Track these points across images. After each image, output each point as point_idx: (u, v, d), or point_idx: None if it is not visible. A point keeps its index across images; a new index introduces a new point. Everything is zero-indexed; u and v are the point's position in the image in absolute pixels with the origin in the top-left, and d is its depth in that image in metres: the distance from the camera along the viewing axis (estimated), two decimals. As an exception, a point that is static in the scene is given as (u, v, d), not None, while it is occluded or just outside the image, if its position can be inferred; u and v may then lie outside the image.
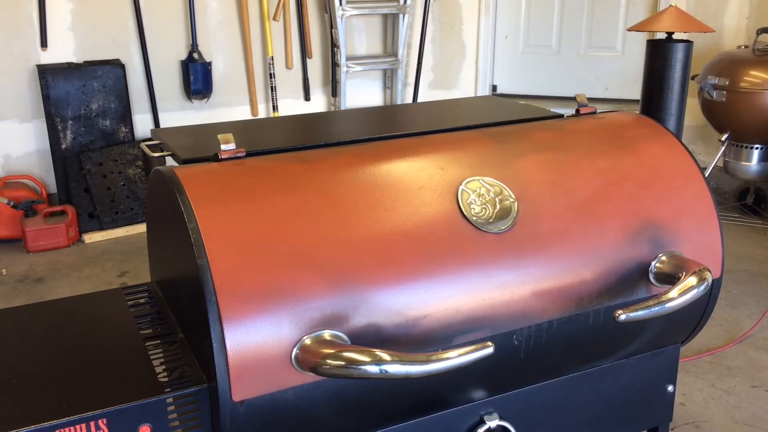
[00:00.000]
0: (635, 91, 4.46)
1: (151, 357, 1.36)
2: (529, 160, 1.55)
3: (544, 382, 1.56)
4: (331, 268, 1.26)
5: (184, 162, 1.47)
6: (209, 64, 4.90)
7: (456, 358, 1.17)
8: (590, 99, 2.07)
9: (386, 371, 1.13)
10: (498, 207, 1.43)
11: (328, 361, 1.15)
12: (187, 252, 1.23)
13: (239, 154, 1.45)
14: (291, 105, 5.20)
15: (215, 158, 1.45)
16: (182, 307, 1.40)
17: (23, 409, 1.20)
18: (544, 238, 1.44)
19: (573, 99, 1.87)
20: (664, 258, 1.51)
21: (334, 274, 1.25)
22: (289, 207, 1.31)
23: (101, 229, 4.78)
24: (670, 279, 1.48)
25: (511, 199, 1.45)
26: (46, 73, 4.71)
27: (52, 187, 4.94)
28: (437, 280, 1.33)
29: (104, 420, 1.17)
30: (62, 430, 1.15)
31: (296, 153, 1.49)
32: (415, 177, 1.44)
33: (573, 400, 1.61)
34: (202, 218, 1.23)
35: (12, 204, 4.55)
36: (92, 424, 1.17)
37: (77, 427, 1.16)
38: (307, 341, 1.20)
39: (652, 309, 1.37)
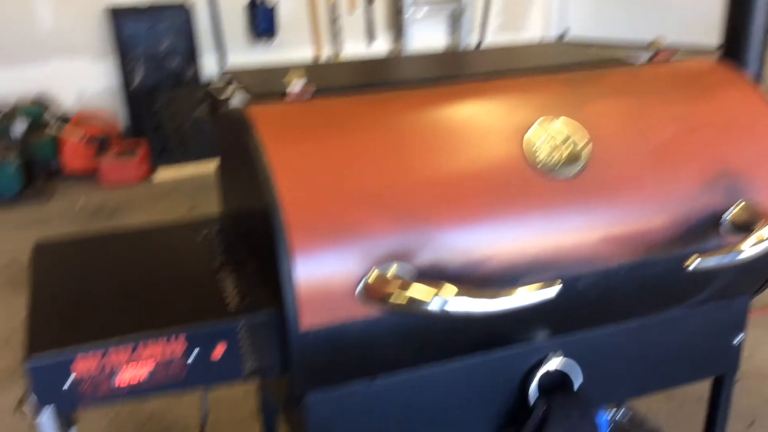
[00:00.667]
0: (715, 37, 4.27)
1: (224, 284, 1.41)
2: (601, 105, 1.52)
3: (609, 326, 1.56)
4: (398, 206, 1.28)
5: (253, 101, 1.50)
6: (274, 6, 4.90)
7: (524, 295, 1.18)
8: (667, 45, 2.00)
9: (452, 307, 1.15)
10: (567, 152, 1.42)
11: (394, 295, 1.18)
12: (258, 188, 1.26)
13: (308, 94, 1.47)
14: (354, 48, 5.17)
15: (284, 97, 1.47)
16: (252, 240, 1.44)
17: (108, 324, 1.27)
18: (615, 184, 1.42)
19: (648, 44, 1.81)
20: (739, 207, 1.47)
21: (400, 212, 1.27)
22: (356, 146, 1.32)
23: (171, 165, 4.91)
24: (744, 229, 1.44)
25: (581, 144, 1.43)
26: (116, 14, 4.80)
27: (125, 124, 5.09)
28: (503, 223, 1.34)
29: (183, 336, 1.24)
30: (145, 342, 1.22)
31: (363, 94, 1.50)
32: (482, 120, 1.43)
33: (638, 345, 1.61)
34: (273, 155, 1.26)
35: (86, 140, 4.71)
36: (173, 338, 1.23)
37: (159, 340, 1.23)
38: (373, 276, 1.23)
39: (724, 258, 1.35)
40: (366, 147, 1.32)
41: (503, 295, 1.19)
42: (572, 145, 1.42)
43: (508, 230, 1.34)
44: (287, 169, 1.25)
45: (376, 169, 1.29)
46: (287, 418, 1.58)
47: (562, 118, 1.45)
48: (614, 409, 2.34)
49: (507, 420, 1.54)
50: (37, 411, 1.23)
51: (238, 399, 2.58)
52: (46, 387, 1.20)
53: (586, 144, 1.43)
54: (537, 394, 1.50)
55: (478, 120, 1.43)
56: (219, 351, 1.28)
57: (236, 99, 1.61)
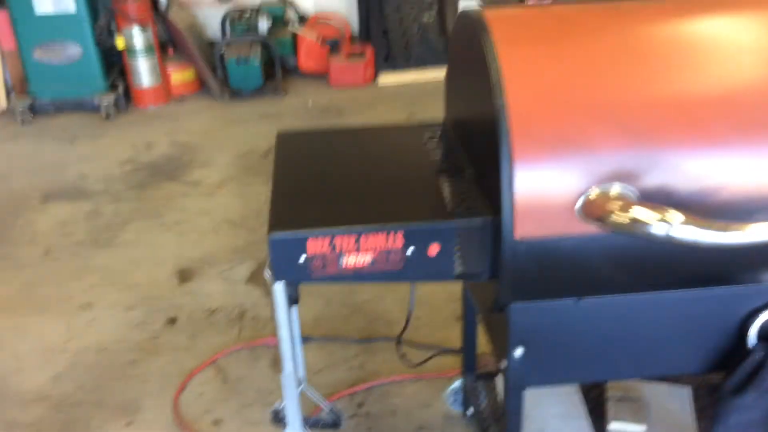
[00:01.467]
0: None
1: (443, 187, 1.46)
2: None
3: None
4: (631, 122, 1.22)
5: (489, 3, 1.48)
6: None
7: (757, 232, 1.10)
8: None
9: (677, 233, 1.10)
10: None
11: (616, 213, 1.15)
12: (486, 92, 1.27)
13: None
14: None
15: (521, 1, 1.44)
16: (474, 146, 1.47)
17: (335, 213, 1.38)
18: None
19: None
20: None
21: (632, 128, 1.22)
22: (593, 55, 1.28)
23: (394, 71, 5.04)
24: None
25: None
26: None
27: (355, 28, 5.26)
28: (745, 150, 1.24)
29: (401, 233, 1.31)
30: (367, 234, 1.31)
31: (604, 2, 1.43)
32: (734, 37, 1.31)
33: None
34: (505, 60, 1.25)
35: (321, 41, 4.95)
36: (391, 234, 1.31)
37: (379, 235, 1.31)
38: (596, 192, 1.21)
39: None
40: (603, 56, 1.27)
41: (734, 229, 1.12)
42: (841, 72, 1.26)
43: (749, 159, 1.24)
44: (518, 74, 1.24)
45: (610, 81, 1.24)
46: (487, 324, 1.63)
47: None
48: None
49: (718, 361, 1.46)
50: (274, 279, 1.38)
51: (441, 302, 2.69)
52: (284, 259, 1.33)
53: None
54: (756, 340, 1.41)
55: (730, 36, 1.31)
56: (433, 250, 1.34)
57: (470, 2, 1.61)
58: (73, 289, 2.91)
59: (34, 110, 4.67)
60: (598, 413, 1.94)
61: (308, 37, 4.94)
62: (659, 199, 1.23)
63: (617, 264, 1.31)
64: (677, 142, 1.22)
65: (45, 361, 2.52)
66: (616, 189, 1.21)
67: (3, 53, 4.74)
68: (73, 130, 4.49)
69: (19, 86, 4.82)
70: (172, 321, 2.70)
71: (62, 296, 2.87)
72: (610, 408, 1.92)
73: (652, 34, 1.32)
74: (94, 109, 4.65)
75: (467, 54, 1.44)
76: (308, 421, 1.81)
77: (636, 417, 1.89)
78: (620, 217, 1.14)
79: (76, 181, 3.84)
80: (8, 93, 4.80)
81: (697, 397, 1.99)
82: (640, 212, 1.12)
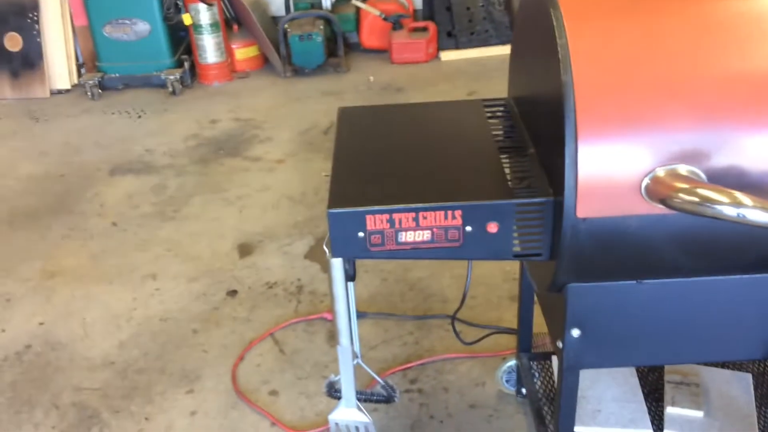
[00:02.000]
0: None
1: (503, 165, 1.44)
2: None
3: None
4: (699, 100, 1.19)
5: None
6: None
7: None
8: None
9: (744, 216, 1.06)
10: None
11: (681, 194, 1.12)
12: (553, 67, 1.25)
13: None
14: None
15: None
16: (538, 123, 1.44)
17: (394, 190, 1.38)
18: None
19: None
20: None
21: (703, 107, 1.18)
22: (665, 30, 1.24)
23: (456, 48, 4.99)
24: None
25: None
26: None
27: (418, 3, 5.21)
28: (822, 132, 1.19)
29: (460, 211, 1.31)
30: (424, 213, 1.31)
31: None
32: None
33: None
34: (573, 34, 1.22)
35: (383, 16, 4.93)
36: (449, 212, 1.31)
37: (437, 213, 1.31)
38: (661, 172, 1.18)
39: None
40: (675, 31, 1.23)
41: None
42: None
43: (826, 141, 1.18)
44: (585, 49, 1.21)
45: (682, 57, 1.20)
46: (544, 304, 1.61)
47: None
48: None
49: (785, 348, 1.42)
50: (333, 255, 1.39)
51: (498, 281, 2.67)
52: (342, 235, 1.34)
53: None
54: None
55: (811, 12, 1.25)
56: (492, 228, 1.33)
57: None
58: (139, 260, 3.00)
59: (103, 86, 4.80)
60: (655, 397, 1.91)
61: (371, 12, 4.93)
62: (728, 181, 1.19)
63: (680, 246, 1.28)
64: (750, 119, 1.18)
65: (111, 329, 2.61)
66: (682, 170, 1.17)
67: (74, 29, 4.88)
68: (141, 106, 4.61)
69: (90, 62, 4.96)
70: (233, 293, 2.76)
71: (128, 267, 2.97)
72: (668, 392, 1.89)
73: (724, 8, 1.27)
74: (161, 84, 4.76)
75: (533, 29, 1.42)
76: (362, 395, 1.83)
77: (694, 403, 1.85)
78: (683, 199, 1.11)
79: (142, 155, 3.95)
80: (79, 68, 4.94)
81: (758, 385, 1.94)
82: (703, 194, 1.09)
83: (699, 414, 1.83)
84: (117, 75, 4.82)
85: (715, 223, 1.17)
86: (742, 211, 1.07)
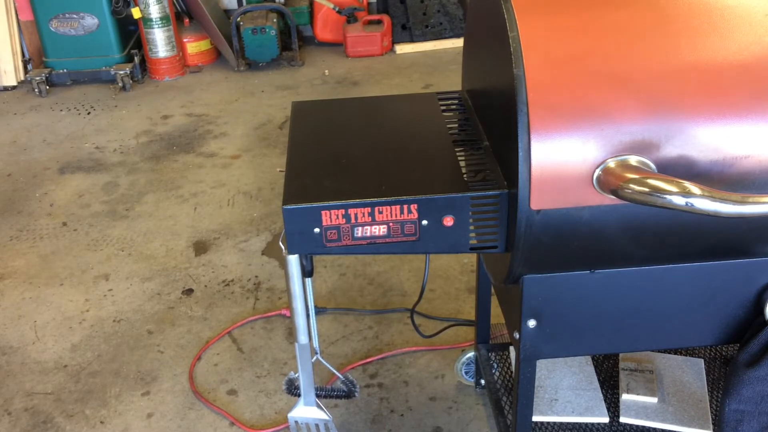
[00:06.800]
0: None
1: (459, 159, 1.44)
2: None
3: None
4: (650, 92, 1.20)
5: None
6: None
7: (777, 204, 1.08)
8: None
9: (693, 205, 1.08)
10: None
11: (632, 185, 1.13)
12: (505, 61, 1.25)
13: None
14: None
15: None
16: (491, 116, 1.45)
17: (350, 185, 1.37)
18: None
19: None
20: None
21: (651, 98, 1.20)
22: (614, 23, 1.25)
23: (411, 41, 4.99)
24: None
25: None
26: None
27: (372, -2, 5.19)
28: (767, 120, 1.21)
29: (415, 205, 1.30)
30: (380, 207, 1.30)
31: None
32: (758, 2, 1.28)
33: None
34: (524, 28, 1.23)
35: (338, 9, 4.90)
36: (405, 207, 1.30)
37: (393, 207, 1.30)
38: (612, 163, 1.19)
39: None
40: (624, 24, 1.24)
41: (754, 201, 1.10)
42: None
43: (770, 130, 1.21)
44: (536, 42, 1.21)
45: (631, 49, 1.22)
46: (501, 295, 1.62)
47: None
48: None
49: (732, 333, 1.46)
50: (289, 251, 1.38)
51: (455, 273, 2.69)
52: (298, 231, 1.33)
53: None
54: (774, 312, 1.40)
55: (752, 2, 1.27)
56: (448, 222, 1.33)
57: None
58: (91, 261, 2.94)
59: (51, 82, 4.68)
60: (611, 384, 1.94)
61: (325, 5, 4.89)
62: (677, 170, 1.21)
63: (632, 236, 1.29)
64: (697, 109, 1.20)
65: (63, 332, 2.55)
66: (632, 160, 1.19)
67: (20, 24, 4.75)
68: (90, 102, 4.51)
69: (37, 58, 4.83)
70: (188, 292, 2.72)
71: (80, 267, 2.90)
72: (623, 380, 1.92)
73: (672, 2, 1.29)
74: (111, 80, 4.66)
75: (486, 23, 1.42)
76: (322, 391, 1.82)
77: (649, 389, 1.89)
78: (633, 190, 1.12)
79: (93, 153, 3.86)
80: (26, 64, 4.81)
81: (710, 370, 1.98)
82: (653, 185, 1.11)
83: (653, 400, 1.87)
84: (65, 71, 4.70)
85: (665, 213, 1.20)
86: (691, 200, 1.09)
